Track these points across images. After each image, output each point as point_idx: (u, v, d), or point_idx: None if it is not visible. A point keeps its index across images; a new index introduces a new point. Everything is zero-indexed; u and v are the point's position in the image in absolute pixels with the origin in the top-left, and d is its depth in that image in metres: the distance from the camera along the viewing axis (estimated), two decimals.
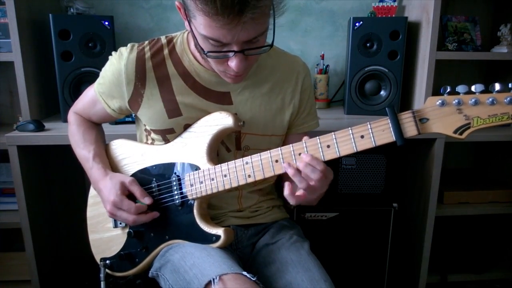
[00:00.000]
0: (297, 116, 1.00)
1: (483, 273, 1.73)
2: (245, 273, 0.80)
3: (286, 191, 0.80)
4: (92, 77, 1.39)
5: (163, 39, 0.94)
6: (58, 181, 1.61)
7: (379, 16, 1.59)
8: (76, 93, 1.42)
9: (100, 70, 0.99)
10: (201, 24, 0.72)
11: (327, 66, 1.74)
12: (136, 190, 0.92)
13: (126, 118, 1.42)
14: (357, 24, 1.51)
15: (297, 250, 0.95)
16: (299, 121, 1.01)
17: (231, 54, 0.76)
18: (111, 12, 1.70)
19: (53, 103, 1.52)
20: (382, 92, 1.57)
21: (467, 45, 1.64)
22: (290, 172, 0.78)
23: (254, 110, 0.94)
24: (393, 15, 1.60)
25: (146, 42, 0.93)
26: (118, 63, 0.91)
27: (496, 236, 1.77)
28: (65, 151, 1.56)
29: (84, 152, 0.99)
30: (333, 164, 1.49)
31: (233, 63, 0.77)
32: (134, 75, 0.91)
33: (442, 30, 1.64)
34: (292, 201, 0.81)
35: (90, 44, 1.41)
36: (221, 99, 0.93)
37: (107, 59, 0.97)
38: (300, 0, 1.77)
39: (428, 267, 1.52)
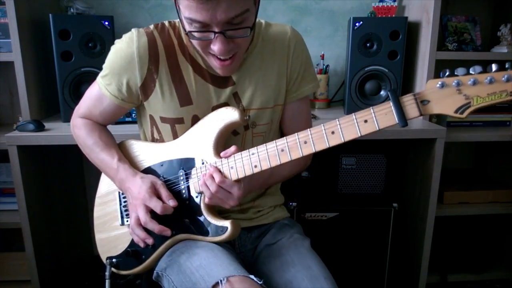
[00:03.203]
0: (291, 82, 1.00)
1: (483, 273, 1.73)
2: (252, 276, 0.80)
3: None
4: (92, 77, 1.39)
5: (167, 24, 0.94)
6: (58, 181, 1.61)
7: (379, 16, 1.59)
8: (76, 93, 1.43)
9: (100, 70, 0.97)
10: (183, 6, 0.75)
11: (327, 66, 1.74)
12: (163, 192, 0.91)
13: (126, 118, 1.42)
14: (357, 24, 1.50)
15: (297, 248, 0.95)
16: (293, 88, 1.01)
17: (212, 35, 0.78)
18: (111, 12, 1.70)
19: (53, 103, 1.52)
20: (382, 92, 1.57)
21: (467, 45, 1.64)
22: (201, 182, 0.88)
23: (255, 85, 0.95)
24: (393, 15, 1.60)
25: (152, 27, 0.92)
26: (128, 48, 0.90)
27: (496, 236, 1.77)
28: (65, 151, 1.56)
29: (104, 155, 0.98)
30: (333, 164, 1.51)
31: (215, 46, 0.79)
32: (148, 59, 0.90)
33: (442, 30, 1.64)
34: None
35: (90, 44, 1.41)
36: (225, 83, 0.94)
37: (108, 54, 0.95)
38: (300, 0, 1.77)
39: (428, 267, 1.52)
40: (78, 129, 1.03)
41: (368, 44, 1.52)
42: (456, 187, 1.65)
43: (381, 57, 1.51)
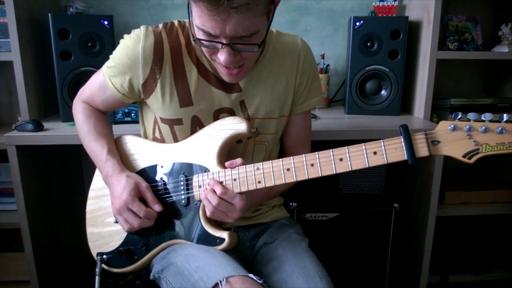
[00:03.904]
0: (298, 94, 1.00)
1: (484, 274, 1.72)
2: (251, 275, 0.80)
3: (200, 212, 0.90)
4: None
5: (176, 23, 0.94)
6: (58, 181, 1.60)
7: (380, 15, 1.59)
8: (75, 92, 1.40)
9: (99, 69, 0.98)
10: (195, 13, 0.75)
11: (328, 65, 1.73)
12: (149, 196, 0.91)
13: (126, 118, 1.42)
14: (357, 23, 1.50)
15: (294, 247, 0.95)
16: (300, 100, 1.01)
17: (219, 45, 0.78)
18: (111, 11, 1.70)
19: (52, 103, 1.51)
20: (382, 92, 1.57)
21: (468, 44, 1.64)
22: (202, 195, 0.87)
23: (262, 94, 0.95)
24: (394, 15, 1.59)
25: (161, 25, 0.92)
26: (134, 46, 0.90)
27: (496, 237, 1.76)
28: (65, 151, 1.56)
29: (97, 144, 0.98)
30: None
31: (222, 56, 0.79)
32: (152, 59, 0.90)
33: (443, 30, 1.63)
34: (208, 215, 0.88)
35: (89, 44, 1.41)
36: (231, 88, 0.94)
37: (106, 59, 0.96)
38: (300, 0, 1.77)
39: (429, 267, 1.52)
40: (77, 114, 1.04)
41: (368, 44, 1.52)
42: (457, 187, 1.65)
43: (381, 56, 1.51)
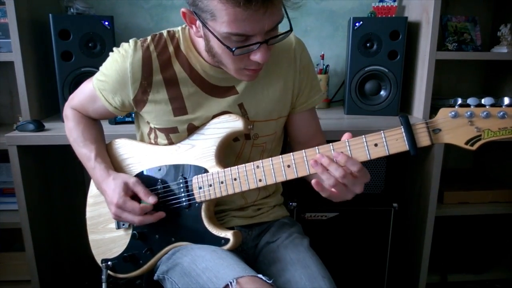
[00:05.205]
0: (299, 94, 0.99)
1: (483, 273, 1.73)
2: (260, 275, 0.80)
3: (316, 187, 0.78)
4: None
5: (165, 34, 0.92)
6: (58, 181, 1.61)
7: (379, 16, 1.60)
8: None
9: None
10: (225, 21, 0.71)
11: (327, 66, 1.73)
12: (140, 190, 0.90)
13: (126, 118, 1.42)
14: (357, 24, 1.51)
15: (296, 247, 0.95)
16: (302, 99, 1.00)
17: (255, 46, 0.75)
18: (111, 12, 1.70)
19: (53, 103, 1.52)
20: (382, 92, 1.57)
21: (467, 45, 1.64)
22: (318, 170, 0.77)
23: (259, 96, 0.94)
24: (393, 15, 1.60)
25: (149, 38, 0.90)
26: (123, 62, 0.89)
27: (496, 236, 1.77)
28: (65, 151, 1.56)
29: (85, 150, 0.97)
30: None
31: (257, 55, 0.77)
32: (141, 74, 0.89)
33: (442, 30, 1.64)
34: (324, 195, 0.80)
35: (90, 44, 1.41)
36: (227, 93, 0.92)
37: (107, 59, 0.96)
38: (300, 0, 1.77)
39: (428, 267, 1.52)
40: (67, 120, 1.04)
41: (368, 44, 1.52)
42: (456, 187, 1.65)
43: (381, 57, 1.51)
